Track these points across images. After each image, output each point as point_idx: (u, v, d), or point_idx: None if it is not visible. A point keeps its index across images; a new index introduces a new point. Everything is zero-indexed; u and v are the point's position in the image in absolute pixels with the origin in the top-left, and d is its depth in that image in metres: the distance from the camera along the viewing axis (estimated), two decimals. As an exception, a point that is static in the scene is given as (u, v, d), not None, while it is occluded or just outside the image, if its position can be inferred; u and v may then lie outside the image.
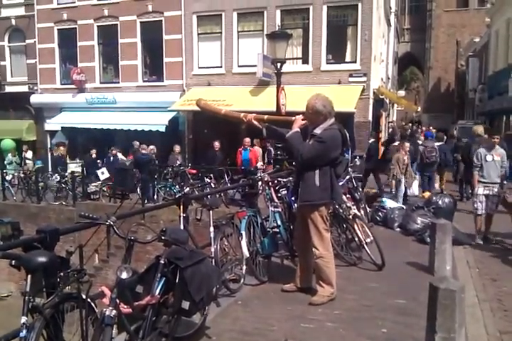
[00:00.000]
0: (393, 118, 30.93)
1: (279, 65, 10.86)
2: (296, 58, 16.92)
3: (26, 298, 2.59)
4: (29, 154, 18.91)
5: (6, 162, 17.95)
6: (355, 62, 16.34)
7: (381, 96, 19.47)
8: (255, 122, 4.77)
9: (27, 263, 2.67)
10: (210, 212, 4.72)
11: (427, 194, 10.87)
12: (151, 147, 14.25)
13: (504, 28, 21.30)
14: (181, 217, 4.43)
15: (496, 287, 5.45)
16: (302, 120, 4.58)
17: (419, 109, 38.98)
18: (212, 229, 4.62)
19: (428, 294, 3.24)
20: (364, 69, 16.17)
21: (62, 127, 19.63)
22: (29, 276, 2.66)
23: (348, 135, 4.64)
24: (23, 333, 2.50)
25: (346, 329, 4.01)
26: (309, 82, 15.96)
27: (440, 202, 8.28)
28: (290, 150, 4.61)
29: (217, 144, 13.65)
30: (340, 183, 6.02)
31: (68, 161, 18.40)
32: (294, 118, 4.65)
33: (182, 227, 4.29)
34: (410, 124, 25.74)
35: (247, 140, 12.74)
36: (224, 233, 4.82)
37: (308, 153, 4.37)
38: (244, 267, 4.96)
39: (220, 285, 4.06)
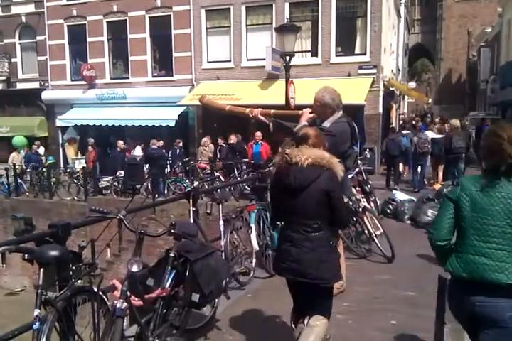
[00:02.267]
0: (404, 110, 30.72)
1: (288, 58, 10.83)
2: (305, 51, 16.83)
3: (39, 291, 2.64)
4: (41, 150, 19.10)
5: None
6: (364, 54, 16.21)
7: (391, 88, 19.33)
8: (261, 117, 4.75)
9: (40, 257, 2.72)
10: (220, 205, 4.75)
11: (437, 186, 10.81)
12: (159, 142, 14.36)
13: (516, 18, 21.01)
14: (191, 211, 4.46)
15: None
16: (310, 113, 4.57)
17: (430, 100, 38.61)
18: (221, 222, 4.65)
19: (437, 286, 3.25)
20: (374, 61, 16.04)
21: (73, 123, 19.78)
22: (42, 270, 2.71)
23: (356, 128, 4.63)
24: (36, 325, 2.55)
25: (356, 321, 4.03)
26: (319, 75, 15.87)
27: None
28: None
29: (233, 137, 13.71)
30: (350, 176, 6.02)
31: (79, 156, 18.57)
32: (301, 111, 4.63)
33: (192, 221, 4.33)
34: (423, 116, 25.49)
35: (258, 134, 12.74)
36: (234, 226, 4.86)
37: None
38: (254, 260, 5.00)
39: (229, 278, 4.10)
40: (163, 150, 14.92)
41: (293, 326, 3.24)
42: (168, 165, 14.60)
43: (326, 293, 3.12)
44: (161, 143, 14.86)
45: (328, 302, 3.16)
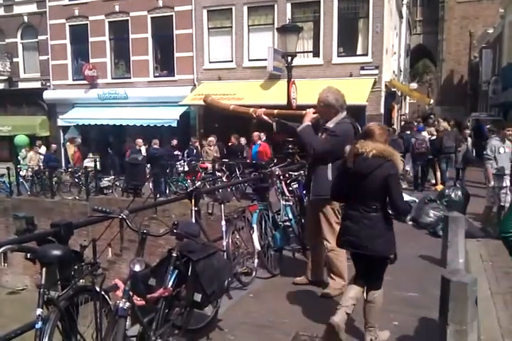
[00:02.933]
0: (405, 111, 30.69)
1: (289, 58, 10.83)
2: (307, 51, 16.83)
3: (41, 290, 2.63)
4: (43, 149, 19.09)
5: (20, 157, 18.14)
6: (366, 54, 16.21)
7: (393, 89, 19.31)
8: (265, 117, 4.76)
9: (42, 256, 2.72)
10: (222, 205, 4.74)
11: (439, 187, 10.81)
12: (155, 141, 14.33)
13: (518, 19, 20.99)
14: (193, 211, 4.46)
15: (509, 280, 5.41)
16: (313, 113, 4.57)
17: (432, 101, 38.59)
18: (223, 222, 4.65)
19: (440, 287, 3.24)
20: (376, 62, 16.04)
21: (74, 123, 19.79)
22: (44, 269, 2.70)
23: (360, 129, 4.63)
24: (39, 325, 2.55)
25: (358, 322, 4.01)
26: (320, 76, 15.87)
27: (453, 195, 8.24)
28: (302, 144, 4.58)
29: (233, 139, 13.70)
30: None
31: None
32: (304, 111, 4.63)
33: (194, 221, 4.32)
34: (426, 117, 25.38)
35: (256, 134, 12.75)
36: (235, 227, 4.85)
37: (321, 147, 4.35)
38: (256, 260, 4.99)
39: (231, 278, 4.10)
40: (177, 150, 15.03)
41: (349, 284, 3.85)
42: (186, 165, 14.37)
43: (380, 265, 3.72)
44: (175, 141, 15.06)
45: (382, 273, 3.77)
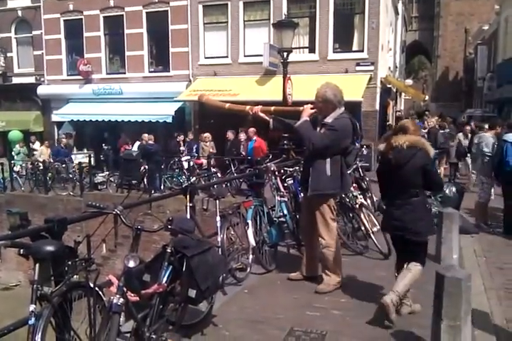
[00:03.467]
0: (401, 107, 30.74)
1: (285, 54, 10.80)
2: (303, 47, 16.79)
3: (34, 286, 2.62)
4: (37, 145, 19.01)
5: (13, 153, 18.05)
6: (362, 50, 16.19)
7: (388, 85, 19.33)
8: (262, 114, 4.73)
9: (35, 252, 2.70)
10: (217, 201, 4.73)
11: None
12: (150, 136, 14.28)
13: (514, 15, 21.02)
14: (188, 207, 4.45)
15: (503, 275, 5.44)
16: (311, 109, 4.55)
17: (427, 97, 38.65)
18: (218, 218, 4.64)
19: (434, 282, 3.25)
20: (371, 58, 16.03)
21: (69, 118, 19.70)
22: (37, 265, 2.68)
23: (358, 124, 4.63)
24: (32, 321, 2.53)
25: (352, 317, 4.03)
26: (316, 71, 15.85)
27: (447, 191, 8.23)
28: (300, 139, 4.56)
29: (229, 134, 13.63)
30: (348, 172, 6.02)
31: (75, 152, 18.49)
32: (302, 107, 4.61)
33: (188, 217, 4.31)
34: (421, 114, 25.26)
35: (252, 130, 12.72)
36: (230, 222, 4.84)
37: (321, 142, 4.34)
38: (251, 256, 4.99)
39: (226, 274, 4.09)
40: (189, 145, 14.98)
41: (395, 274, 4.13)
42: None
43: (421, 245, 4.03)
44: (189, 136, 14.87)
45: (423, 253, 4.07)
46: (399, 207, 3.97)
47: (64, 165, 14.81)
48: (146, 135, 14.44)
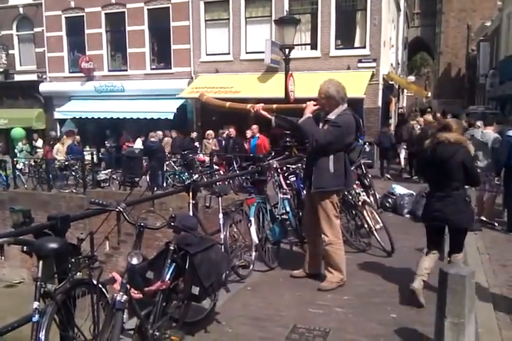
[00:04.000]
0: (403, 104, 30.66)
1: (287, 51, 10.77)
2: (305, 44, 16.76)
3: (38, 283, 2.61)
4: (39, 142, 19.02)
5: (16, 150, 18.05)
6: (364, 47, 16.16)
7: (391, 82, 19.28)
8: (263, 112, 4.71)
9: (39, 249, 2.69)
10: (219, 198, 4.72)
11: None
12: (159, 133, 14.25)
13: (516, 12, 20.92)
14: (190, 204, 4.44)
15: (506, 273, 5.43)
16: (314, 106, 4.54)
17: (429, 94, 38.54)
18: (221, 215, 4.63)
19: (438, 279, 3.24)
20: (373, 55, 15.99)
21: (71, 115, 19.71)
22: (41, 262, 2.68)
23: (361, 121, 4.61)
24: (36, 318, 2.53)
25: (356, 315, 4.03)
26: (318, 68, 15.82)
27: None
28: (304, 136, 4.55)
29: (232, 131, 13.60)
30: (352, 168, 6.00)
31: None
32: (305, 104, 4.60)
33: (191, 214, 4.31)
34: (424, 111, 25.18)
35: (255, 127, 12.70)
36: (233, 220, 4.84)
37: (324, 138, 4.33)
38: (254, 253, 4.99)
39: (229, 271, 4.08)
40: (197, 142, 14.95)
41: (424, 254, 4.56)
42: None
43: (461, 235, 4.39)
44: (195, 134, 15.07)
45: (462, 242, 4.47)
46: (440, 198, 4.28)
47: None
48: (159, 132, 14.77)
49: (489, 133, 8.13)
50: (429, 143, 4.41)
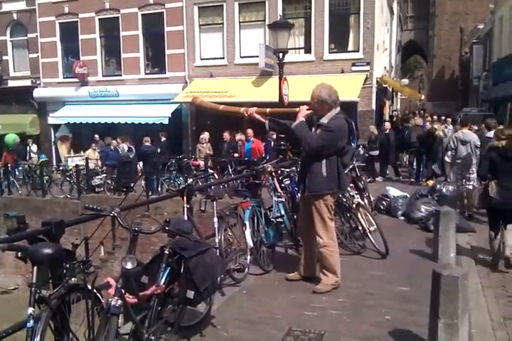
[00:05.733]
0: (397, 106, 30.80)
1: (281, 55, 10.82)
2: (299, 48, 16.82)
3: (33, 289, 2.61)
4: (34, 148, 18.97)
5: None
6: (357, 51, 16.24)
7: (384, 85, 19.38)
8: (257, 116, 4.73)
9: (33, 255, 2.70)
10: (214, 202, 4.73)
11: (430, 182, 10.88)
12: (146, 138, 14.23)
13: (508, 14, 21.06)
14: (185, 208, 4.45)
15: (499, 274, 5.46)
16: (307, 110, 4.57)
17: (423, 97, 38.74)
18: (216, 219, 4.64)
19: (431, 281, 3.26)
20: (367, 58, 16.07)
21: (65, 121, 19.68)
22: (35, 268, 2.68)
23: (354, 124, 4.65)
24: (30, 324, 2.53)
25: (350, 317, 4.04)
26: (312, 72, 15.89)
27: (444, 190, 8.27)
28: (296, 140, 4.58)
29: (226, 135, 13.62)
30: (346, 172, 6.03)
31: (72, 154, 18.46)
32: (298, 108, 4.63)
33: (186, 218, 4.32)
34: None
35: (250, 131, 12.72)
36: (228, 223, 4.85)
37: (316, 142, 4.36)
38: (249, 257, 5.00)
39: (224, 275, 4.10)
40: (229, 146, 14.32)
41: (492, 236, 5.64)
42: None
43: None
44: (242, 136, 14.29)
45: None
46: (510, 188, 5.37)
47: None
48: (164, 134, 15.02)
49: (470, 134, 8.70)
50: (507, 143, 5.47)
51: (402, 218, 8.14)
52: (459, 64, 39.72)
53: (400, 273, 5.20)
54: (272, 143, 12.51)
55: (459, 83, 39.21)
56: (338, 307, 4.26)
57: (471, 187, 8.14)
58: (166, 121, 17.26)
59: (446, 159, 8.84)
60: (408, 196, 8.64)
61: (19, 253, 2.72)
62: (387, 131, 13.10)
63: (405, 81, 30.86)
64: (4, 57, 21.45)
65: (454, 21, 40.33)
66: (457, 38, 39.39)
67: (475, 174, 8.07)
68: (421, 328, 3.58)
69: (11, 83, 21.56)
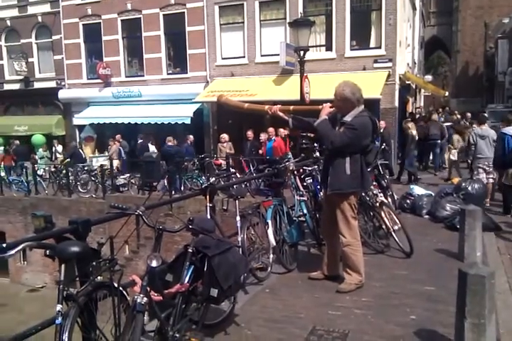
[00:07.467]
0: (420, 103, 30.37)
1: (302, 52, 10.78)
2: (320, 45, 16.73)
3: (61, 286, 2.66)
4: (59, 148, 19.33)
5: (37, 157, 18.37)
6: (379, 47, 16.06)
7: (407, 82, 19.11)
8: (280, 113, 4.74)
9: (61, 253, 2.74)
10: (236, 201, 4.76)
11: (456, 180, 10.71)
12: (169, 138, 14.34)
13: (535, 8, 20.59)
14: (208, 207, 4.48)
15: (528, 273, 5.35)
16: (330, 108, 4.54)
17: (447, 93, 38.10)
18: (238, 218, 4.66)
19: (457, 280, 3.22)
20: (389, 55, 15.88)
21: (90, 121, 19.98)
22: (63, 266, 2.73)
23: (378, 122, 4.61)
24: (59, 320, 2.58)
25: (374, 316, 4.01)
26: (333, 69, 15.78)
27: (470, 188, 8.14)
28: (320, 138, 4.57)
29: (250, 133, 13.62)
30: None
31: (97, 154, 18.74)
32: (321, 106, 4.61)
33: (209, 217, 4.34)
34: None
35: (271, 129, 12.72)
36: (250, 222, 4.86)
37: (340, 140, 4.33)
38: (271, 256, 5.01)
39: (247, 274, 4.11)
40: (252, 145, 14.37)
41: None
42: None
43: None
44: (250, 133, 14.21)
45: None
46: None
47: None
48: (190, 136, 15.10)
49: (488, 130, 9.41)
50: None
51: (426, 217, 8.05)
52: (483, 59, 38.91)
53: (424, 272, 5.14)
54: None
55: (484, 79, 38.43)
56: (362, 306, 4.23)
57: (491, 180, 8.89)
58: (188, 121, 17.37)
59: (451, 157, 9.78)
60: (433, 194, 8.53)
61: (48, 251, 2.77)
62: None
63: (429, 77, 30.40)
64: (30, 59, 21.87)
65: (478, 16, 39.50)
66: (481, 32, 38.57)
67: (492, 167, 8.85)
68: (447, 328, 3.54)
69: (37, 85, 21.97)
